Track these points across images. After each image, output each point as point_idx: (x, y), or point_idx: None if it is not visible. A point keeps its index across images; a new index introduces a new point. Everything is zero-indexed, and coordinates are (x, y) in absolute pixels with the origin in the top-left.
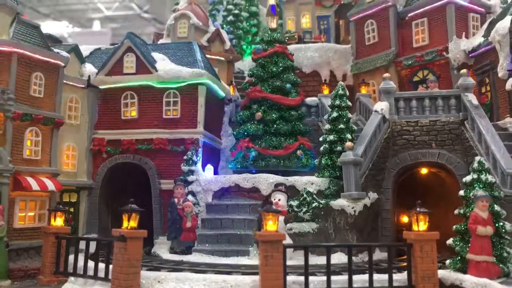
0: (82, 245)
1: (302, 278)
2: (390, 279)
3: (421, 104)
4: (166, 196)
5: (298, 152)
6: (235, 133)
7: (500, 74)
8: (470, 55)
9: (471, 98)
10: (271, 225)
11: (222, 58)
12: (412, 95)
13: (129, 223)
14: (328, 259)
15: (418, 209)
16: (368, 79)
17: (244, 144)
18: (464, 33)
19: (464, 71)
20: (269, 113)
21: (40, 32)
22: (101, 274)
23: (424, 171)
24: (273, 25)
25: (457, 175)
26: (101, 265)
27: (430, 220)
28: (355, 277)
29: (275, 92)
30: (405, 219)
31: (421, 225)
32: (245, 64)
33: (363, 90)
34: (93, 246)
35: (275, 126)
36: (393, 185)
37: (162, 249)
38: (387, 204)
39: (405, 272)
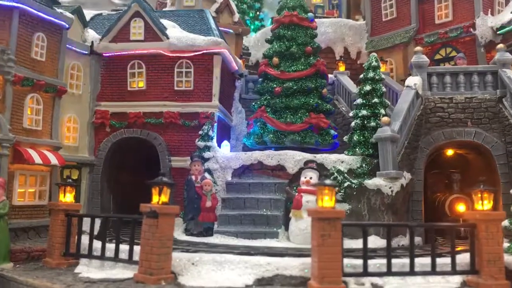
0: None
1: (355, 261)
2: (453, 263)
3: (455, 80)
4: (177, 174)
5: None
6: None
7: None
8: (498, 32)
9: (510, 74)
10: (327, 200)
11: (231, 31)
12: (446, 70)
13: (160, 198)
14: (389, 240)
15: (482, 186)
16: (386, 57)
17: (322, 120)
18: (489, 9)
19: (501, 45)
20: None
21: None
22: (123, 255)
23: (449, 152)
24: None
25: (494, 155)
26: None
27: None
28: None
29: None
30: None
31: (486, 204)
32: (250, 40)
33: (382, 69)
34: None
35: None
36: (425, 165)
37: (175, 231)
38: (418, 186)
39: (462, 256)
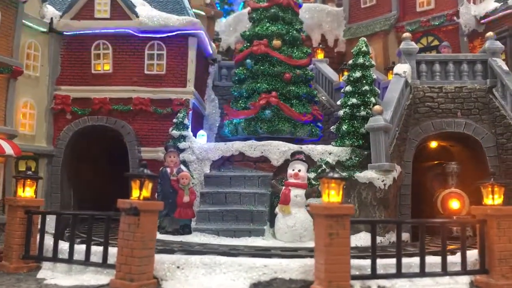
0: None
1: (359, 262)
2: (464, 262)
3: (444, 69)
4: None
5: None
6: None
7: None
8: (482, 21)
9: (501, 64)
10: (334, 195)
11: (203, 13)
12: (435, 58)
13: (141, 193)
14: (399, 237)
15: (492, 179)
16: None
17: (319, 112)
18: None
19: (490, 33)
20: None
21: None
22: (95, 258)
23: (433, 144)
24: None
25: (484, 148)
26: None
27: None
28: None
29: None
30: None
31: (496, 198)
32: (221, 25)
33: None
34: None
35: None
36: (413, 158)
37: None
38: (406, 179)
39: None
